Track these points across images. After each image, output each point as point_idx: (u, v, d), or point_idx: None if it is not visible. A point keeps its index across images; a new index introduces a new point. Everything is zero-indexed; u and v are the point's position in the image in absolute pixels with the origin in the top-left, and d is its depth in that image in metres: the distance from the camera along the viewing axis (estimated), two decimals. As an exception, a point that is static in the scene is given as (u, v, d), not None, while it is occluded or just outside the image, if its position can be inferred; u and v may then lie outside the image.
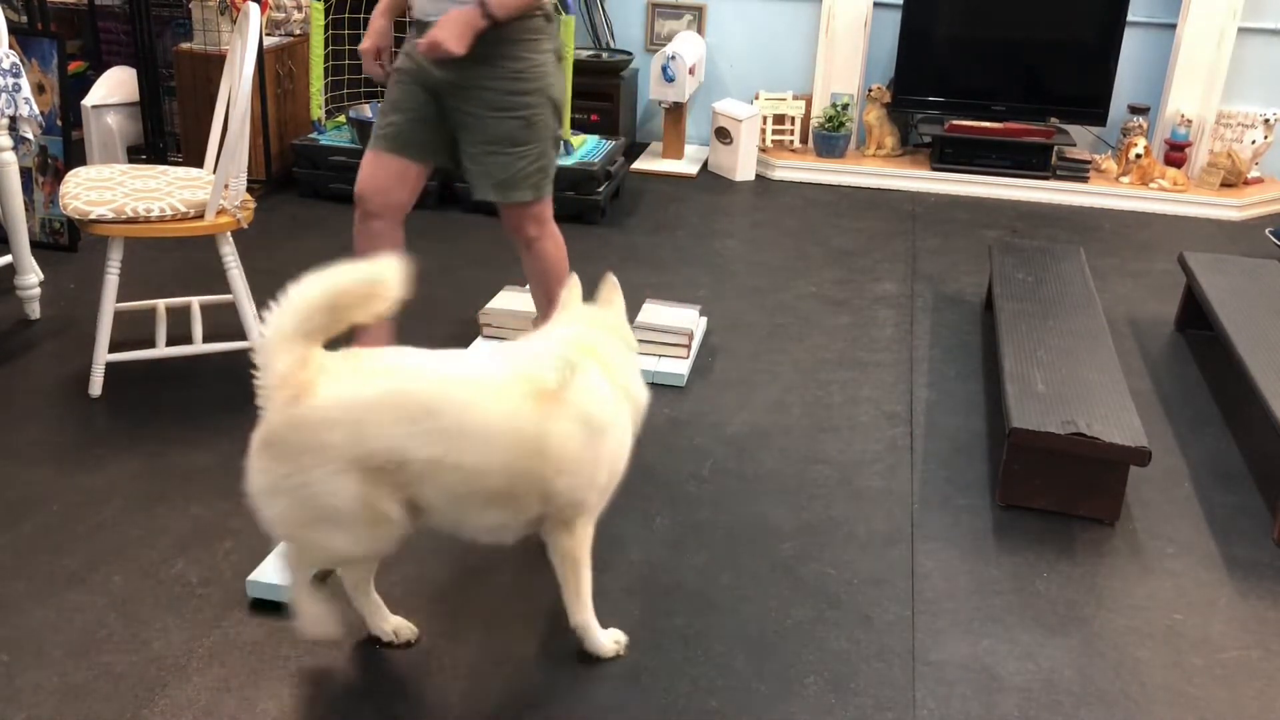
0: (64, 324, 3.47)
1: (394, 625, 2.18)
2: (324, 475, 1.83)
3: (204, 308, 3.41)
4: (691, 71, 5.33)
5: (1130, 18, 5.28)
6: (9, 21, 3.36)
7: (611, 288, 2.25)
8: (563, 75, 2.84)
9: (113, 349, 3.01)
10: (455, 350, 2.03)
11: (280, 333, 1.84)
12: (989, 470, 2.90)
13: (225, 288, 3.18)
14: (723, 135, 5.42)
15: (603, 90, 5.41)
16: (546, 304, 3.00)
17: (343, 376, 1.86)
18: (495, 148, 2.75)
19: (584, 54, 5.57)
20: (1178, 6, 5.31)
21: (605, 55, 5.62)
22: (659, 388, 3.25)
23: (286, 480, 1.84)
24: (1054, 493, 2.70)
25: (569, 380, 1.96)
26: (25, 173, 3.89)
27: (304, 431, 1.82)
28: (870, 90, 5.52)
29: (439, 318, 3.65)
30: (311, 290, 1.85)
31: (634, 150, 5.74)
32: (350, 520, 1.88)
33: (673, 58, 5.23)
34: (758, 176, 5.51)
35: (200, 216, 3.01)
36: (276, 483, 1.85)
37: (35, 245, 3.50)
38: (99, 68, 4.96)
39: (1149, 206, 5.24)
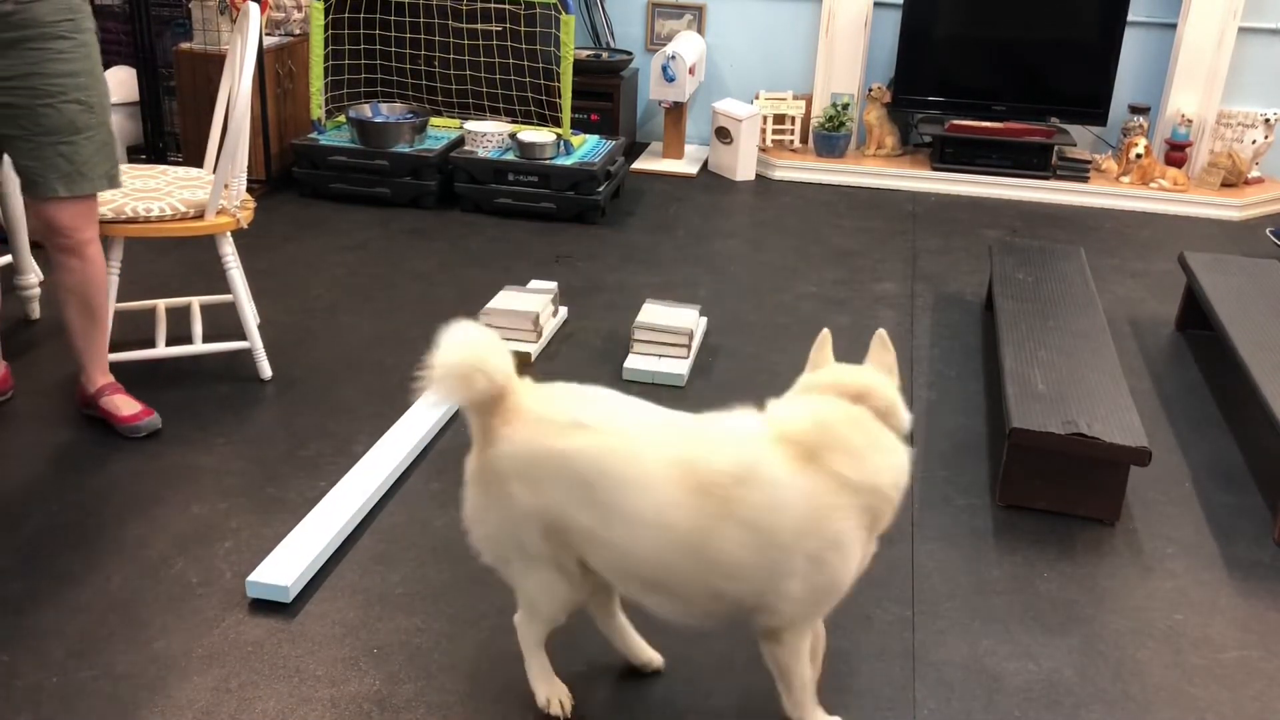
0: (64, 324, 3.46)
1: (647, 656, 2.12)
2: (512, 517, 1.84)
3: (204, 308, 3.41)
4: (691, 71, 5.33)
5: (1130, 18, 5.28)
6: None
7: (883, 347, 1.89)
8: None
9: (113, 349, 3.01)
10: (646, 406, 1.87)
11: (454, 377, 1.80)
12: (989, 470, 2.90)
13: (225, 288, 3.18)
14: (723, 135, 5.42)
15: (603, 90, 5.41)
16: (92, 325, 2.79)
17: (529, 421, 1.81)
18: (57, 137, 2.57)
19: (584, 54, 5.57)
20: (1178, 6, 5.31)
21: (605, 55, 5.62)
22: (659, 388, 3.25)
23: (485, 512, 1.88)
24: (1054, 493, 2.70)
25: (743, 476, 1.72)
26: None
27: (490, 475, 1.84)
28: (870, 90, 5.52)
29: (439, 317, 3.65)
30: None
31: (634, 150, 5.74)
32: (540, 564, 1.87)
33: (673, 57, 5.23)
34: (758, 176, 5.51)
35: (200, 216, 3.01)
36: (478, 512, 1.90)
37: (35, 245, 3.49)
38: (99, 68, 4.96)
39: (1149, 206, 5.24)
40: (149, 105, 4.76)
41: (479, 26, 5.00)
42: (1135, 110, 5.42)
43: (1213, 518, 2.74)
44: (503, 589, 2.34)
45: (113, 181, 2.72)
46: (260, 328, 3.30)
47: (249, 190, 3.20)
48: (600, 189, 4.61)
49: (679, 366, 3.31)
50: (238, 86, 2.92)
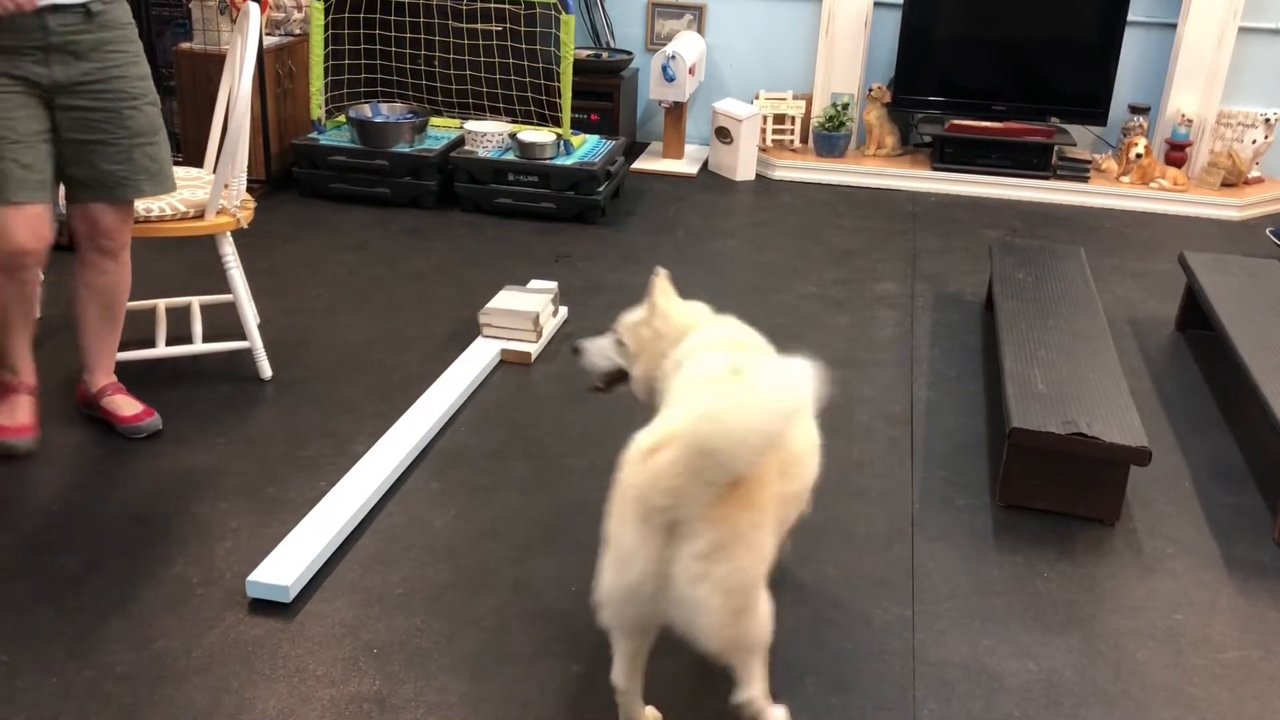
0: (64, 324, 3.46)
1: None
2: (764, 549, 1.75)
3: (204, 308, 3.41)
4: (691, 71, 5.33)
5: (1130, 18, 5.28)
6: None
7: (665, 279, 2.33)
8: None
9: (113, 349, 3.02)
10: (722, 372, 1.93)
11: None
12: (989, 470, 2.90)
13: (225, 288, 3.18)
14: (723, 135, 5.42)
15: (603, 90, 5.41)
16: (109, 327, 2.82)
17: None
18: (143, 139, 2.63)
19: (584, 54, 5.57)
20: (1178, 6, 5.31)
21: (605, 55, 5.62)
22: (659, 388, 3.25)
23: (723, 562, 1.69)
24: (1054, 493, 2.70)
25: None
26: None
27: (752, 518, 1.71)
28: (870, 90, 5.52)
29: (439, 317, 3.65)
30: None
31: (634, 150, 5.74)
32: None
33: (673, 57, 5.23)
34: (758, 176, 5.51)
35: (200, 216, 3.01)
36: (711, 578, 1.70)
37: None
38: (99, 68, 4.96)
39: (1149, 206, 5.24)
40: (149, 105, 4.76)
41: (479, 26, 5.00)
42: (1135, 110, 5.42)
43: (1213, 518, 2.74)
44: (503, 589, 2.34)
45: (173, 179, 2.79)
46: (260, 328, 3.30)
47: (249, 190, 3.20)
48: (600, 189, 4.61)
49: (679, 366, 3.31)
50: (238, 86, 2.92)
